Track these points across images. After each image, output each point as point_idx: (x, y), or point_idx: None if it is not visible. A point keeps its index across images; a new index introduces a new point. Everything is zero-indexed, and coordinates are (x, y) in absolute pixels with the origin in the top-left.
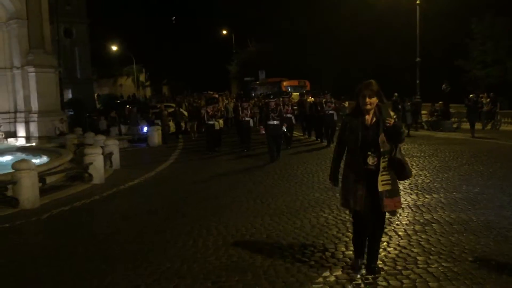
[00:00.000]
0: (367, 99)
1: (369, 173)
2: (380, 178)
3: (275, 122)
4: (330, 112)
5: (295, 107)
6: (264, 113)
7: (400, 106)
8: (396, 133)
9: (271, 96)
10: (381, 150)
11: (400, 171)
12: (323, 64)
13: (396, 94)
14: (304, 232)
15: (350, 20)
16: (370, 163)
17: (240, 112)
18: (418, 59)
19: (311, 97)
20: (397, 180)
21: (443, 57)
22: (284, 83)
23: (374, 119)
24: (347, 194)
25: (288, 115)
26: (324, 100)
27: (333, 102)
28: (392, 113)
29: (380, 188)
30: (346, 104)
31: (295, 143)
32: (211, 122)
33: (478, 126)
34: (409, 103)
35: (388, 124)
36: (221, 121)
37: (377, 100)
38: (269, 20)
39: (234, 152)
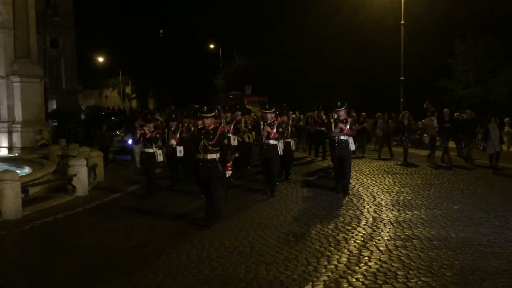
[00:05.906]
0: None
1: None
2: None
3: (209, 156)
4: (343, 138)
5: (293, 129)
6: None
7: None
8: None
9: (226, 108)
10: None
11: None
12: (310, 80)
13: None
14: (287, 246)
15: (337, 38)
16: None
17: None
18: (402, 78)
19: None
20: None
21: (426, 76)
22: (246, 99)
23: None
24: None
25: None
26: (335, 117)
27: (348, 122)
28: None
29: None
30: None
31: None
32: (149, 150)
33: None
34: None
35: None
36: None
37: None
38: (258, 36)
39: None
